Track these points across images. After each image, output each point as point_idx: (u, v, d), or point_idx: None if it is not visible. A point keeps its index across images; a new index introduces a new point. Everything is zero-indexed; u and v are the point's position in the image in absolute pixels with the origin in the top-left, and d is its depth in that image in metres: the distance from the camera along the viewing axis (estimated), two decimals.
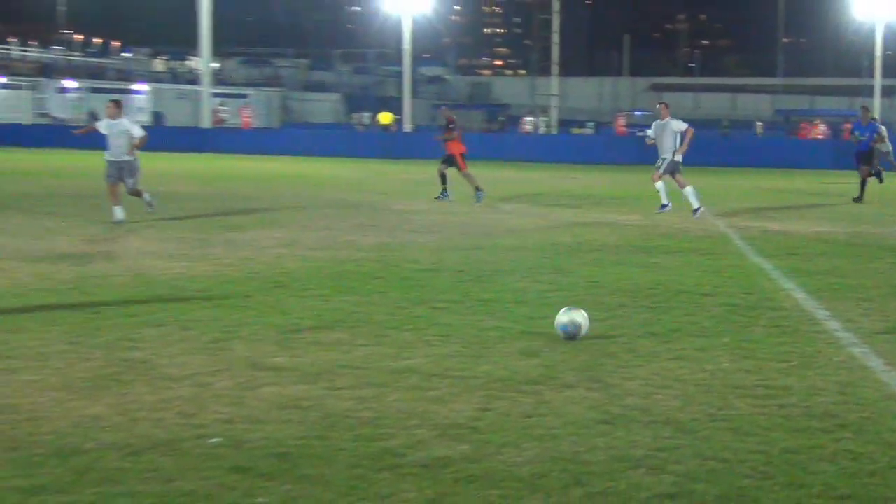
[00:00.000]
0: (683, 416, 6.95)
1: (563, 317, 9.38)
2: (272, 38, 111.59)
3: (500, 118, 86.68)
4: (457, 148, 26.35)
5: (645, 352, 8.92)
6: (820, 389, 7.70)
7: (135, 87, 77.52)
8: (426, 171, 32.64)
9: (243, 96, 75.13)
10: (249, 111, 67.12)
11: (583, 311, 9.47)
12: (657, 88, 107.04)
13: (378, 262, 14.49)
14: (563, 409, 7.09)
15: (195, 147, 51.18)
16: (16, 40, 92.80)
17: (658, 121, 23.99)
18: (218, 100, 64.39)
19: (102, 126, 18.91)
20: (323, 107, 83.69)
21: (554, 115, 74.41)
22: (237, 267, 13.66)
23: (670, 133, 23.24)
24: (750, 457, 6.04)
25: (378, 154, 50.11)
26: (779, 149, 53.35)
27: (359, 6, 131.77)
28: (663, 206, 22.51)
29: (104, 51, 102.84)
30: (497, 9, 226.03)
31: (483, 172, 37.38)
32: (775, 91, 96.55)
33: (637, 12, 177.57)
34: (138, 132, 18.73)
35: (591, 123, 77.51)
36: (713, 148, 52.78)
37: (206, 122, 57.73)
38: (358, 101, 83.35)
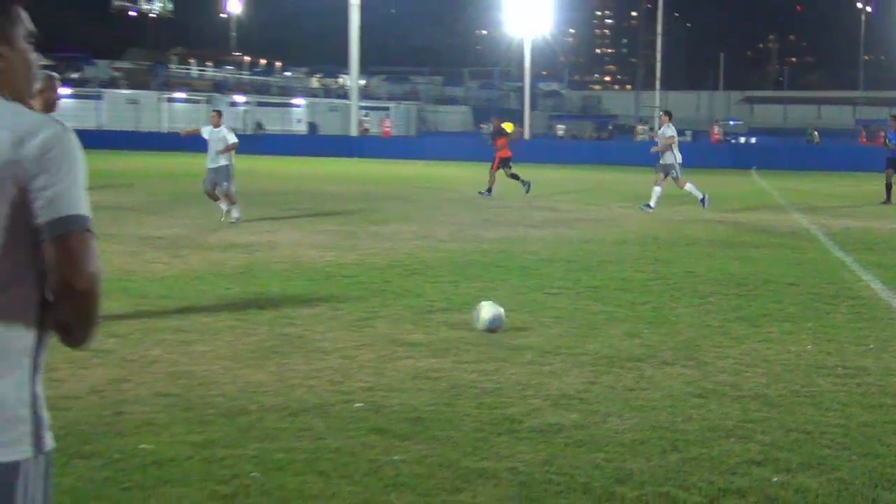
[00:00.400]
0: (770, 391, 6.82)
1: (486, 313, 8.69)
2: (411, 58, 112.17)
3: (609, 127, 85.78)
4: (504, 153, 26.37)
5: (736, 334, 8.76)
6: (895, 370, 7.49)
7: (294, 101, 78.71)
8: (543, 174, 32.54)
9: (385, 109, 75.51)
10: (390, 122, 67.52)
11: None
12: (749, 101, 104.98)
13: (500, 252, 14.47)
14: (661, 383, 7.01)
15: (344, 153, 51.63)
16: (194, 62, 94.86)
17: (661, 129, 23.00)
18: (364, 112, 64.88)
19: (205, 132, 18.91)
20: (454, 118, 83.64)
21: (656, 125, 73.45)
22: (380, 256, 13.77)
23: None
24: (830, 429, 5.90)
25: None
26: (859, 154, 51.74)
27: (485, 30, 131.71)
28: (702, 199, 21.84)
29: (268, 70, 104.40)
30: (606, 31, 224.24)
31: (594, 176, 37.21)
32: (857, 103, 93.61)
33: (732, 33, 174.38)
34: (232, 139, 18.78)
35: (690, 132, 75.98)
36: (800, 154, 51.60)
37: (353, 132, 58.21)
38: (484, 112, 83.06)
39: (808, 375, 7.26)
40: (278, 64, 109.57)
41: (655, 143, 24.83)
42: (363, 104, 64.42)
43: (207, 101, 72.01)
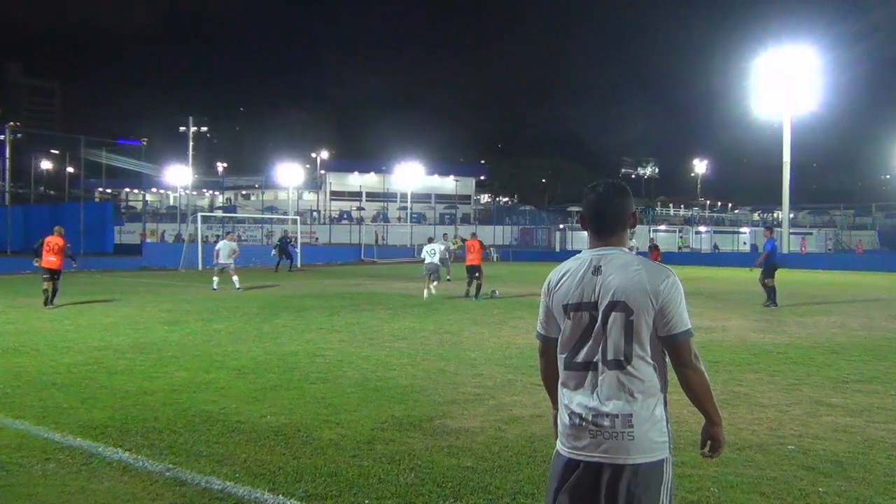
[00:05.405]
0: None
1: None
2: (829, 197, 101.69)
3: None
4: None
5: None
6: None
7: (741, 229, 74.75)
8: None
9: (809, 234, 69.16)
10: (805, 242, 62.40)
11: None
12: None
13: None
14: None
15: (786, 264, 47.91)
16: (671, 205, 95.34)
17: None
18: (794, 236, 59.69)
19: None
20: (864, 239, 74.32)
21: None
22: (804, 338, 12.47)
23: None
24: None
25: None
26: None
27: (889, 174, 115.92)
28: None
29: (723, 209, 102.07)
30: None
31: None
32: None
33: None
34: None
35: None
36: None
37: (785, 250, 53.61)
38: (888, 235, 73.30)
39: None
40: (729, 204, 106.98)
41: None
42: (792, 230, 59.32)
43: (680, 231, 71.40)
